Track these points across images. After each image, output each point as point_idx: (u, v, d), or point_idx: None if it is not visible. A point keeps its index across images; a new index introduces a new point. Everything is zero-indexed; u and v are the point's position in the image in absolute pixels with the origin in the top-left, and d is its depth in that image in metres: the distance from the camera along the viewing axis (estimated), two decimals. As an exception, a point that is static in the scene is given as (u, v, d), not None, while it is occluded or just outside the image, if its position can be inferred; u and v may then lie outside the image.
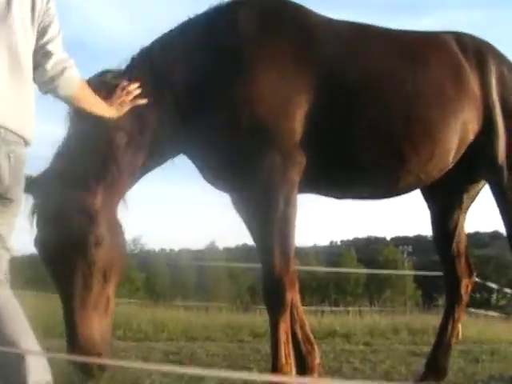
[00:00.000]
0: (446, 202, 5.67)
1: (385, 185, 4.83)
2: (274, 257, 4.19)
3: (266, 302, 4.36)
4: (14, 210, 3.62)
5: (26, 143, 3.69)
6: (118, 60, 4.32)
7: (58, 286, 3.89)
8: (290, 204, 4.20)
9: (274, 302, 4.27)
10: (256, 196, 4.26)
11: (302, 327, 4.84)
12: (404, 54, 4.80)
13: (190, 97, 4.19)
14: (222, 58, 4.25)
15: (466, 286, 5.80)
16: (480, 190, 5.76)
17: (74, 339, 3.74)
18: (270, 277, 4.24)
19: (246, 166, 4.19)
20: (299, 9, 4.60)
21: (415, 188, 5.14)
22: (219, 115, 4.18)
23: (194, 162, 4.51)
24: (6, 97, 3.48)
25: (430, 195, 5.71)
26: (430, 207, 5.81)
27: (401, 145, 4.61)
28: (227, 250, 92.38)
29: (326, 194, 4.84)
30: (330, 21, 4.70)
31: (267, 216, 4.20)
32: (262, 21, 4.39)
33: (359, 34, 4.79)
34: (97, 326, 3.78)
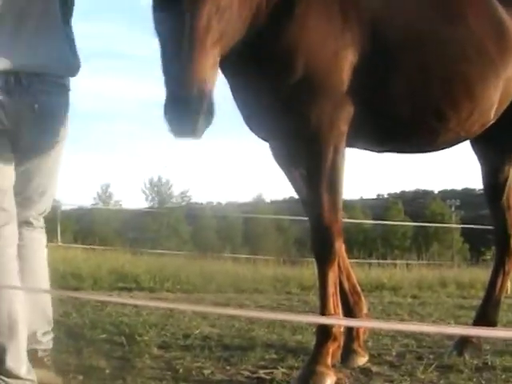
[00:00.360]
0: (496, 155, 5.59)
1: (424, 140, 4.79)
2: (322, 205, 4.16)
3: (314, 251, 4.35)
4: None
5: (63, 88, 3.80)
6: None
7: None
8: (338, 153, 4.18)
9: (323, 251, 4.24)
10: (305, 144, 4.24)
11: (349, 278, 4.84)
12: (443, 8, 4.69)
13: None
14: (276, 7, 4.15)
15: (516, 239, 5.74)
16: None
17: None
18: (318, 225, 4.22)
19: (295, 113, 4.16)
20: None
21: (456, 143, 5.08)
22: (273, 63, 4.13)
23: (241, 111, 4.48)
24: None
25: (480, 149, 5.62)
26: (480, 160, 5.74)
27: (439, 103, 4.56)
28: (274, 202, 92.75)
29: (365, 146, 4.81)
30: None
31: (316, 164, 4.17)
32: None
33: None
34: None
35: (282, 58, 4.13)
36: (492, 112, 4.78)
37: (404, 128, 4.61)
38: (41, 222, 4.10)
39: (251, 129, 4.54)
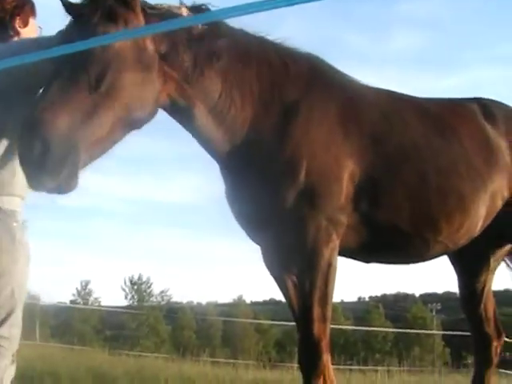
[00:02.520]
0: (472, 265, 5.68)
1: (414, 252, 4.87)
2: (313, 319, 4.17)
3: (301, 363, 4.35)
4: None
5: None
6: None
7: None
8: (331, 267, 4.21)
9: (311, 364, 4.25)
10: (299, 258, 4.27)
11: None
12: (437, 126, 4.87)
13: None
14: (278, 111, 4.24)
15: (495, 347, 5.78)
16: (508, 251, 5.77)
17: None
18: (307, 338, 4.23)
19: (293, 226, 4.19)
20: (342, 73, 4.65)
21: (441, 255, 5.17)
22: (275, 168, 4.16)
23: (231, 206, 4.49)
24: None
25: (456, 259, 5.72)
26: (456, 270, 5.83)
27: (434, 213, 4.67)
28: (254, 304, 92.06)
29: (356, 257, 4.83)
30: (368, 88, 4.76)
31: (309, 279, 4.19)
32: (312, 82, 4.41)
33: (396, 102, 4.85)
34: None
35: (284, 164, 4.15)
36: (479, 225, 4.93)
37: (399, 238, 4.66)
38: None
39: (245, 230, 4.53)
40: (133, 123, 3.62)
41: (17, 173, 3.80)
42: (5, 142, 3.77)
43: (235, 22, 4.17)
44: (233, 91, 4.07)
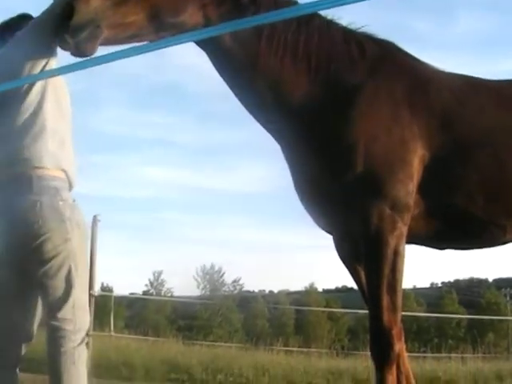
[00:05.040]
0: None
1: (489, 237, 4.69)
2: (382, 308, 4.14)
3: (373, 354, 4.31)
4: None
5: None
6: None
7: None
8: (398, 255, 4.14)
9: (382, 354, 4.21)
10: (364, 247, 4.22)
11: (408, 378, 4.77)
12: None
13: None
14: (338, 92, 4.23)
15: None
16: None
17: None
18: (378, 329, 4.19)
19: (351, 212, 4.16)
20: (414, 57, 4.59)
21: (518, 239, 5.03)
22: (327, 151, 4.15)
23: (296, 191, 4.46)
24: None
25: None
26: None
27: (510, 199, 4.49)
28: (326, 291, 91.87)
29: (428, 245, 4.77)
30: (441, 72, 4.67)
31: (376, 266, 4.15)
32: (378, 64, 4.37)
33: (470, 87, 4.68)
34: None
35: (341, 147, 4.12)
36: None
37: (473, 226, 4.54)
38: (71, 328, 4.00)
39: (312, 217, 4.53)
40: (160, 25, 3.99)
41: (66, 144, 3.95)
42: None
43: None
44: (281, 50, 4.17)
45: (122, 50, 3.29)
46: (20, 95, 3.98)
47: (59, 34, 3.83)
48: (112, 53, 3.29)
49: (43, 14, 4.04)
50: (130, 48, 3.46)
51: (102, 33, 3.78)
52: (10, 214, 3.89)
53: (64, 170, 4.06)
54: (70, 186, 4.15)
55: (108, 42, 3.88)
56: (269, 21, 3.79)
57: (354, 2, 2.09)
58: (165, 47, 3.18)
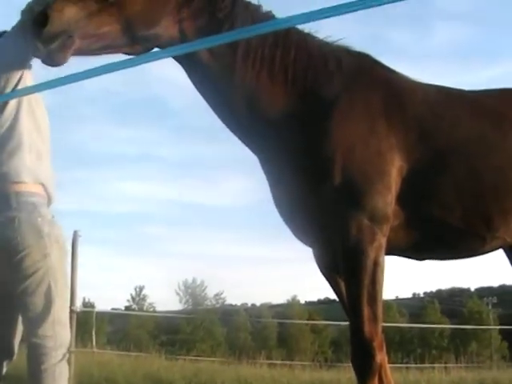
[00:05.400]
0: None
1: (469, 247, 4.72)
2: (363, 319, 4.11)
3: (354, 366, 4.27)
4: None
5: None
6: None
7: None
8: (378, 266, 4.11)
9: (364, 365, 4.18)
10: (343, 258, 4.18)
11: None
12: (492, 120, 4.66)
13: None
14: (315, 104, 4.22)
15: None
16: None
17: None
18: (359, 340, 4.16)
19: (330, 224, 4.14)
20: (390, 69, 4.60)
21: (498, 249, 5.04)
22: (304, 164, 4.12)
23: (275, 205, 4.43)
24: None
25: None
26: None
27: (491, 213, 4.51)
28: (309, 303, 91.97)
29: (408, 256, 4.77)
30: (418, 84, 4.67)
31: (356, 279, 4.12)
32: (355, 76, 4.35)
33: (445, 97, 4.70)
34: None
35: (318, 159, 4.11)
36: None
37: (452, 236, 4.53)
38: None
39: (291, 231, 4.49)
40: (133, 36, 3.98)
41: (43, 158, 3.94)
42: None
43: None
44: (258, 63, 4.17)
45: (96, 68, 3.24)
46: None
47: (32, 40, 3.81)
48: (86, 70, 3.25)
49: (15, 26, 4.04)
50: (103, 65, 3.41)
51: (74, 43, 3.78)
52: None
53: (42, 184, 4.04)
54: (49, 201, 4.13)
55: (82, 53, 3.88)
56: (244, 36, 3.80)
57: (329, 17, 2.09)
58: (138, 64, 3.14)
